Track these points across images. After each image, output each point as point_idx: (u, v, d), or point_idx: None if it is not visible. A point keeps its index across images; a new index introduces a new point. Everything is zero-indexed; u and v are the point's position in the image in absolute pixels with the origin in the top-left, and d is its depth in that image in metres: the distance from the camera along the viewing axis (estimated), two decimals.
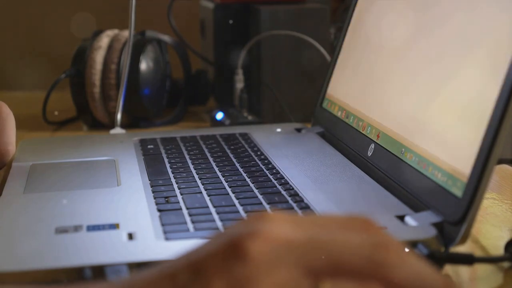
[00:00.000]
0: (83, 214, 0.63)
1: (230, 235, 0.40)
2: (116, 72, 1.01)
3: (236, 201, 0.66)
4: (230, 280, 0.39)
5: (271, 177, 0.73)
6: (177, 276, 0.40)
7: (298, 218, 0.42)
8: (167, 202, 0.66)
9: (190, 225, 0.60)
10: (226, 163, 0.78)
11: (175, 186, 0.70)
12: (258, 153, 0.81)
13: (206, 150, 0.83)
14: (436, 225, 0.59)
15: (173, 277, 0.40)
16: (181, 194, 0.68)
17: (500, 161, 0.79)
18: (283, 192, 0.68)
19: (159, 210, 0.64)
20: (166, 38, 1.08)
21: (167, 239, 0.58)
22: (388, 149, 0.72)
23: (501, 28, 0.60)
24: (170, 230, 0.59)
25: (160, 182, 0.72)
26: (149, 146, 0.83)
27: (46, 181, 0.73)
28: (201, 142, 0.86)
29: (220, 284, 0.38)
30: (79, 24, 1.34)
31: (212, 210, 0.64)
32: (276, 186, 0.70)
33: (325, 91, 0.91)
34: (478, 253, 0.62)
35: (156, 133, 0.91)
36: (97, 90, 1.01)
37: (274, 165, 0.77)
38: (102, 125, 1.04)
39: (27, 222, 0.62)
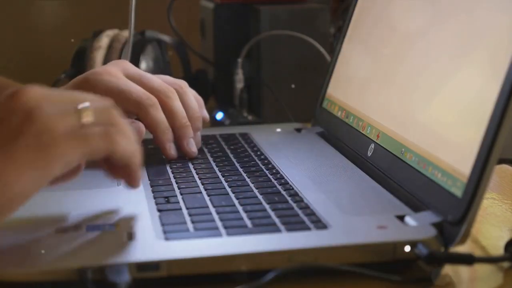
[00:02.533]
0: (83, 214, 0.63)
1: (4, 94, 0.55)
2: None
3: (236, 201, 0.66)
4: (19, 113, 0.54)
5: (271, 177, 0.73)
6: None
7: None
8: (167, 202, 0.66)
9: (190, 225, 0.60)
10: (226, 163, 0.78)
11: (175, 186, 0.70)
12: (258, 153, 0.81)
13: (206, 150, 0.83)
14: (436, 225, 0.59)
15: None
16: (181, 194, 0.68)
17: (500, 161, 0.79)
18: (283, 192, 0.68)
19: (159, 210, 0.64)
20: (166, 38, 1.08)
21: (167, 239, 0.58)
22: (388, 149, 0.72)
23: (501, 28, 0.60)
24: (170, 230, 0.59)
25: (160, 182, 0.72)
26: (149, 146, 0.83)
27: None
28: (201, 142, 0.86)
29: (15, 118, 0.54)
30: (79, 23, 1.34)
31: (212, 210, 0.64)
32: (276, 186, 0.70)
33: (325, 91, 0.91)
34: (478, 253, 0.62)
35: None
36: None
37: (274, 165, 0.77)
38: None
39: (27, 222, 0.62)
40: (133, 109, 0.76)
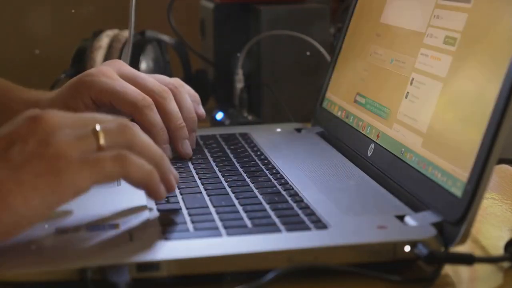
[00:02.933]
0: (83, 214, 0.63)
1: (23, 116, 0.57)
2: None
3: (236, 201, 0.66)
4: (36, 137, 0.55)
5: (271, 177, 0.73)
6: None
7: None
8: (167, 202, 0.66)
9: (190, 225, 0.60)
10: (226, 163, 0.78)
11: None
12: (258, 153, 0.81)
13: (206, 150, 0.83)
14: (436, 225, 0.59)
15: None
16: (181, 194, 0.68)
17: (500, 161, 0.79)
18: (283, 192, 0.68)
19: (159, 210, 0.64)
20: (166, 38, 1.08)
21: (167, 239, 0.58)
22: (388, 149, 0.72)
23: (501, 28, 0.60)
24: (170, 230, 0.59)
25: None
26: None
27: None
28: (201, 142, 0.86)
29: (32, 142, 0.55)
30: (79, 23, 1.34)
31: (212, 210, 0.64)
32: (276, 186, 0.70)
33: (325, 91, 0.91)
34: (478, 253, 0.62)
35: None
36: None
37: (274, 165, 0.77)
38: None
39: None
40: (128, 110, 0.76)
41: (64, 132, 0.55)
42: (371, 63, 0.81)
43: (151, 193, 0.59)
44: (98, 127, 0.56)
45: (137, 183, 0.58)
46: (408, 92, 0.72)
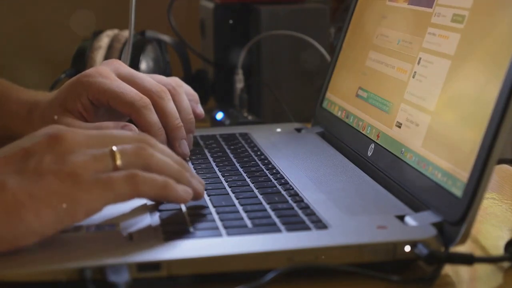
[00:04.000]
0: None
1: (44, 132, 0.57)
2: None
3: (236, 201, 0.66)
4: (54, 154, 0.55)
5: (271, 177, 0.73)
6: (12, 159, 0.56)
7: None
8: (167, 202, 0.66)
9: (190, 225, 0.60)
10: (226, 163, 0.78)
11: None
12: (258, 153, 0.81)
13: (206, 150, 0.83)
14: (436, 225, 0.59)
15: (9, 159, 0.56)
16: None
17: (500, 161, 0.79)
18: (283, 192, 0.68)
19: (159, 210, 0.64)
20: (166, 38, 1.08)
21: (167, 239, 0.58)
22: (388, 149, 0.72)
23: (501, 28, 0.60)
24: (170, 230, 0.59)
25: None
26: None
27: None
28: (201, 142, 0.86)
29: (49, 158, 0.55)
30: (79, 23, 1.34)
31: (212, 210, 0.64)
32: (276, 186, 0.70)
33: (325, 91, 0.91)
34: (478, 253, 0.62)
35: None
36: None
37: (274, 165, 0.77)
38: None
39: None
40: (126, 110, 0.76)
41: (82, 152, 0.56)
42: (371, 63, 0.81)
43: (173, 202, 0.61)
44: (115, 148, 0.57)
45: (153, 198, 0.60)
46: (415, 72, 0.71)
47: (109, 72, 0.77)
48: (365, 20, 0.87)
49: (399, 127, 0.71)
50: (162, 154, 0.60)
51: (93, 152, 0.57)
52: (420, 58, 0.71)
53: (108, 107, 0.77)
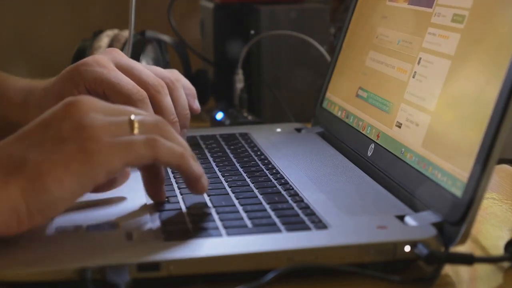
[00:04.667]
0: (83, 214, 0.63)
1: (61, 102, 0.58)
2: None
3: (236, 201, 0.66)
4: (72, 119, 0.56)
5: (271, 177, 0.73)
6: (31, 132, 0.57)
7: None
8: (167, 202, 0.66)
9: (190, 225, 0.60)
10: (226, 163, 0.78)
11: (175, 186, 0.70)
12: (258, 153, 0.81)
13: (206, 150, 0.83)
14: (436, 225, 0.59)
15: (28, 134, 0.57)
16: (181, 194, 0.68)
17: (500, 161, 0.79)
18: (283, 192, 0.68)
19: (159, 210, 0.64)
20: (166, 38, 1.08)
21: (167, 239, 0.58)
22: (388, 149, 0.72)
23: (501, 28, 0.60)
24: (170, 230, 0.59)
25: None
26: None
27: None
28: (201, 142, 0.86)
29: (67, 124, 0.56)
30: (79, 24, 1.34)
31: (212, 210, 0.64)
32: (276, 186, 0.70)
33: (325, 91, 0.91)
34: (478, 253, 0.62)
35: None
36: None
37: (274, 165, 0.77)
38: None
39: None
40: (122, 102, 0.75)
41: (97, 117, 0.57)
42: (371, 63, 0.81)
43: (185, 173, 0.61)
44: (133, 117, 0.58)
45: (169, 165, 0.60)
46: (415, 72, 0.71)
47: (107, 61, 0.77)
48: (365, 20, 0.87)
49: (399, 127, 0.71)
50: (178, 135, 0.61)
51: (112, 118, 0.58)
52: (420, 58, 0.71)
53: (104, 97, 0.76)
